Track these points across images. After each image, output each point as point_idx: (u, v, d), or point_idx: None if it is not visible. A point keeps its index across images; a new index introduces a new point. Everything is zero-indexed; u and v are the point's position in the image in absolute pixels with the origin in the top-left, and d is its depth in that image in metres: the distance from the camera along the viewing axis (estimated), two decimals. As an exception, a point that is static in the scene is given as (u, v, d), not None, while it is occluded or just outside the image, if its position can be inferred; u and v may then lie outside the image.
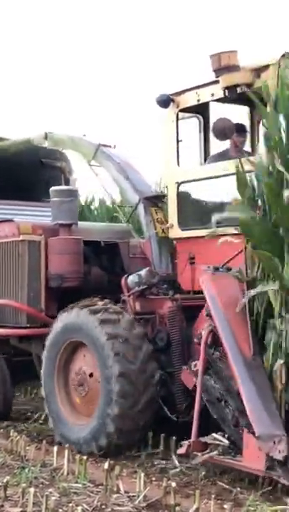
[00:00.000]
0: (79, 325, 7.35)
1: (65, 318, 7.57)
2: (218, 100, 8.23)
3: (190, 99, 8.06)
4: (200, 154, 8.82)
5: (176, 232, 8.19)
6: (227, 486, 6.11)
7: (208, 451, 6.05)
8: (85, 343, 7.34)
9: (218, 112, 8.77)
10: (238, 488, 6.03)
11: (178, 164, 8.21)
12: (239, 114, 9.05)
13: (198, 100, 7.95)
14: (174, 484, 5.61)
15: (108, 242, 9.10)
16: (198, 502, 5.45)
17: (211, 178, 7.91)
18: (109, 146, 9.41)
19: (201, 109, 8.63)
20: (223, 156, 8.28)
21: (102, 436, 7.03)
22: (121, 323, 7.19)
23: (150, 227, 8.57)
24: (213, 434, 6.21)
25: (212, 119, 8.76)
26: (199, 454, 6.08)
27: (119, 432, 6.97)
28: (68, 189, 9.50)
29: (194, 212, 8.26)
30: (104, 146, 9.34)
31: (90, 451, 7.15)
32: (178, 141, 8.25)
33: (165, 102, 8.13)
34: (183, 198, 8.15)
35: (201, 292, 7.65)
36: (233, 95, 7.35)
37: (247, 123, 8.98)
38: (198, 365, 6.48)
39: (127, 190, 8.92)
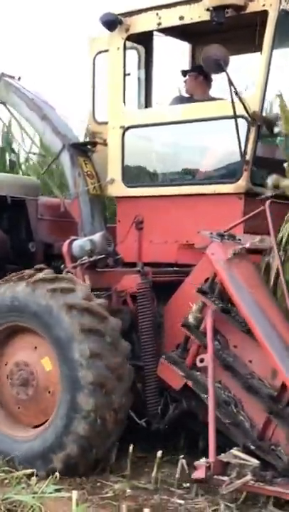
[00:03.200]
0: (21, 305, 5.50)
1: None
2: (170, 30, 6.70)
3: (146, 23, 6.41)
4: (139, 96, 7.22)
5: (118, 190, 6.54)
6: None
7: (233, 474, 4.59)
8: (32, 328, 5.51)
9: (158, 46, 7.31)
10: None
11: (124, 103, 6.57)
12: (180, 51, 7.60)
13: (159, 24, 6.33)
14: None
15: (15, 198, 7.19)
16: None
17: (170, 123, 6.38)
18: (12, 78, 7.49)
19: (145, 40, 7.02)
20: (184, 98, 6.78)
21: (57, 457, 5.21)
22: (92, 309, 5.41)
23: (79, 183, 6.84)
24: (233, 451, 4.75)
25: (156, 54, 7.25)
26: (224, 478, 4.60)
27: (82, 452, 5.21)
28: None
29: (145, 165, 6.65)
30: (8, 76, 7.43)
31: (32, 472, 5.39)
32: (125, 75, 6.61)
33: (111, 23, 6.42)
34: (130, 146, 6.51)
35: (170, 265, 6.18)
36: (220, 19, 5.83)
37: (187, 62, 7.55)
38: (207, 359, 4.96)
39: (45, 134, 7.09)
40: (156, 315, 5.76)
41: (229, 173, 6.01)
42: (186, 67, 7.45)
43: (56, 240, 7.27)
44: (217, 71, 5.62)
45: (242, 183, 5.87)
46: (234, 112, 5.66)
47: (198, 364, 5.07)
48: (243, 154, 5.82)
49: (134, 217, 6.45)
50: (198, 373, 5.33)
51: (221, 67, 5.54)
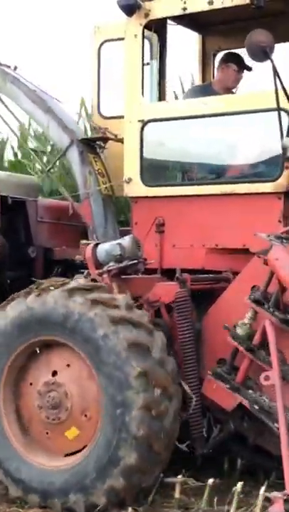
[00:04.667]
0: (54, 316, 4.86)
1: (18, 307, 5.01)
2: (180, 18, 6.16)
3: (169, 7, 5.87)
4: (152, 89, 6.66)
5: (136, 190, 5.95)
6: None
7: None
8: (66, 342, 4.87)
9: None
10: None
11: (142, 95, 6.02)
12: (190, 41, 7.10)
13: (185, 9, 5.79)
14: None
15: (16, 199, 6.53)
16: None
17: (192, 117, 5.85)
18: (8, 67, 6.84)
19: (159, 28, 6.47)
20: (206, 90, 6.26)
21: (99, 491, 4.61)
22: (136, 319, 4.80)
23: (91, 182, 6.25)
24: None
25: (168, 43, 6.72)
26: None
27: (128, 486, 4.61)
28: None
29: (167, 162, 6.10)
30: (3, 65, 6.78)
31: (67, 508, 4.77)
32: (143, 65, 6.06)
33: (130, 7, 5.85)
34: (150, 142, 5.95)
35: (207, 272, 5.64)
36: (260, 2, 5.33)
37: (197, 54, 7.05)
38: (273, 377, 4.43)
39: (50, 129, 6.46)
40: (195, 329, 5.21)
41: (267, 171, 5.52)
42: (195, 58, 7.00)
43: (57, 244, 6.71)
44: (263, 59, 5.10)
45: (282, 182, 5.39)
46: (278, 103, 5.17)
47: (263, 382, 4.55)
48: (283, 151, 5.35)
49: (153, 219, 5.90)
50: (250, 392, 4.83)
51: (267, 54, 5.05)
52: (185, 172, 5.97)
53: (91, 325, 4.70)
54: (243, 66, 6.33)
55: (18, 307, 5.02)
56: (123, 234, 6.07)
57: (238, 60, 6.35)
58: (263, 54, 5.05)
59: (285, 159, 5.34)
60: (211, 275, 5.54)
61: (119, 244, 5.38)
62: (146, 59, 6.33)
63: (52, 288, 4.94)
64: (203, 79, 6.92)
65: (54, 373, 4.99)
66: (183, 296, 5.17)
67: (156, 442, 4.59)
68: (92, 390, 4.78)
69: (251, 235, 5.31)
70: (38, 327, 4.93)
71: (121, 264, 5.30)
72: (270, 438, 4.90)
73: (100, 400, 4.68)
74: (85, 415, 4.87)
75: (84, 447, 4.80)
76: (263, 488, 4.44)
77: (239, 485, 4.48)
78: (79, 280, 5.03)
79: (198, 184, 5.80)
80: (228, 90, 6.33)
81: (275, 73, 5.13)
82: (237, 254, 5.55)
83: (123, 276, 5.46)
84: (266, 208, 5.46)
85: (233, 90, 6.41)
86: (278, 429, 4.43)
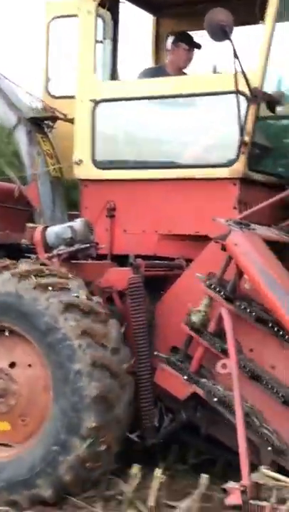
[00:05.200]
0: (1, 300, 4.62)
1: None
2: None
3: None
4: (104, 68, 6.44)
5: (87, 172, 5.76)
6: None
7: (273, 499, 3.95)
8: (14, 328, 4.62)
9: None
10: None
11: (95, 73, 5.81)
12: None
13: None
14: None
15: None
16: None
17: (147, 98, 5.68)
18: None
19: (113, 6, 6.26)
20: (159, 72, 6.08)
21: (46, 483, 4.40)
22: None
23: (38, 163, 6.01)
24: (264, 470, 4.13)
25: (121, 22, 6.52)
26: (262, 503, 3.96)
27: (76, 479, 4.41)
28: None
29: (121, 144, 5.89)
30: None
31: (11, 502, 4.54)
32: (96, 42, 5.85)
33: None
34: (102, 123, 5.75)
35: (159, 259, 5.47)
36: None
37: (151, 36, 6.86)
38: (230, 365, 4.29)
39: (-4, 106, 6.20)
40: (147, 316, 5.04)
41: (224, 156, 5.38)
42: (149, 40, 6.82)
43: (0, 228, 6.43)
44: (222, 38, 4.95)
45: (238, 167, 5.27)
46: (236, 86, 5.05)
47: (220, 371, 4.41)
48: (240, 135, 5.22)
49: (104, 203, 5.71)
50: (204, 381, 4.69)
51: (226, 34, 4.90)
52: (138, 155, 5.78)
53: (41, 311, 4.49)
54: (193, 45, 6.17)
55: None
56: (71, 218, 5.87)
57: (187, 39, 6.19)
58: (222, 33, 4.90)
59: (242, 144, 5.24)
60: (165, 262, 5.38)
61: (71, 227, 5.19)
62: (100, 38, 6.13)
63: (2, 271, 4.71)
64: (157, 62, 6.75)
65: (12, 365, 4.73)
66: (137, 282, 4.99)
67: (108, 434, 4.41)
68: (43, 401, 4.56)
69: (205, 221, 5.20)
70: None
71: (72, 248, 5.10)
72: (223, 428, 4.79)
73: (50, 389, 4.47)
74: (22, 420, 4.65)
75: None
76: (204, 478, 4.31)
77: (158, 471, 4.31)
78: (27, 264, 4.79)
79: (152, 168, 5.60)
80: (180, 71, 6.17)
81: (235, 54, 5.00)
82: (190, 241, 5.41)
83: (73, 261, 5.27)
84: (221, 193, 5.32)
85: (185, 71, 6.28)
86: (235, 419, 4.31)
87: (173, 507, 4.39)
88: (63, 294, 4.54)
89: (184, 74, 6.12)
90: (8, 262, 4.86)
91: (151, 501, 4.25)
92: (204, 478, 4.29)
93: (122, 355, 4.61)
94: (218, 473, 4.95)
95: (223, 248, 4.64)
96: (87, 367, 4.36)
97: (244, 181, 5.30)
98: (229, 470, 4.82)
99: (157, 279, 5.22)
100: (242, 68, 5.04)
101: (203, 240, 5.19)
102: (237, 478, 4.14)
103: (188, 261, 5.30)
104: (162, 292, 5.20)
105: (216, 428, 4.90)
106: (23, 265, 4.74)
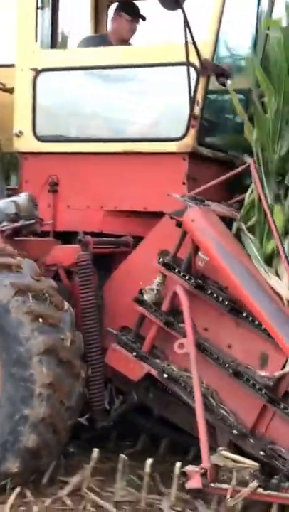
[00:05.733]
0: None
1: None
2: None
3: None
4: (43, 36, 6.14)
5: (27, 144, 5.51)
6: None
7: (234, 481, 3.86)
8: None
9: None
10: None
11: (36, 41, 5.54)
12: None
13: None
14: None
15: None
16: None
17: (91, 68, 5.45)
18: None
19: None
20: (102, 40, 5.85)
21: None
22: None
23: (-23, 134, 5.72)
24: (223, 452, 4.01)
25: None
26: (223, 486, 3.86)
27: (24, 469, 4.20)
28: None
29: (64, 116, 5.64)
30: None
31: None
32: (37, 8, 5.57)
33: None
34: (44, 93, 5.49)
35: (105, 236, 5.27)
36: None
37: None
38: (188, 345, 4.16)
39: None
40: (97, 294, 4.86)
41: (172, 129, 5.21)
42: (88, 8, 6.56)
43: None
44: (174, 7, 4.77)
45: (187, 141, 5.11)
46: (187, 57, 4.87)
47: (177, 351, 4.25)
48: (190, 108, 5.07)
49: (46, 177, 5.48)
50: (158, 361, 4.56)
51: (178, 2, 4.72)
52: (82, 127, 5.56)
53: None
54: (136, 16, 5.98)
55: None
56: (10, 194, 5.61)
57: (130, 10, 5.99)
58: (174, 2, 4.73)
59: (192, 117, 5.08)
60: (114, 239, 5.20)
61: (14, 201, 4.93)
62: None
63: None
64: (96, 31, 6.52)
65: None
66: (85, 259, 4.81)
67: (60, 423, 4.24)
68: None
69: (153, 197, 5.06)
70: None
71: (16, 224, 4.85)
72: (176, 410, 4.68)
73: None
74: None
75: None
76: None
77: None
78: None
79: (96, 141, 5.39)
80: (124, 42, 5.97)
81: (186, 24, 4.83)
82: (137, 218, 5.24)
83: (15, 238, 5.03)
84: (170, 168, 5.15)
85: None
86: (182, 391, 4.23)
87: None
88: (15, 276, 4.31)
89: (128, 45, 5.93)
90: None
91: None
92: (95, 452, 4.24)
93: (75, 341, 4.41)
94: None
95: (178, 224, 4.50)
96: (39, 353, 4.16)
97: (193, 156, 5.15)
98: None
99: (103, 256, 5.05)
100: (193, 39, 4.88)
101: (151, 216, 5.06)
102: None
103: (136, 238, 5.17)
104: (109, 271, 5.03)
105: (169, 410, 4.79)
106: None
